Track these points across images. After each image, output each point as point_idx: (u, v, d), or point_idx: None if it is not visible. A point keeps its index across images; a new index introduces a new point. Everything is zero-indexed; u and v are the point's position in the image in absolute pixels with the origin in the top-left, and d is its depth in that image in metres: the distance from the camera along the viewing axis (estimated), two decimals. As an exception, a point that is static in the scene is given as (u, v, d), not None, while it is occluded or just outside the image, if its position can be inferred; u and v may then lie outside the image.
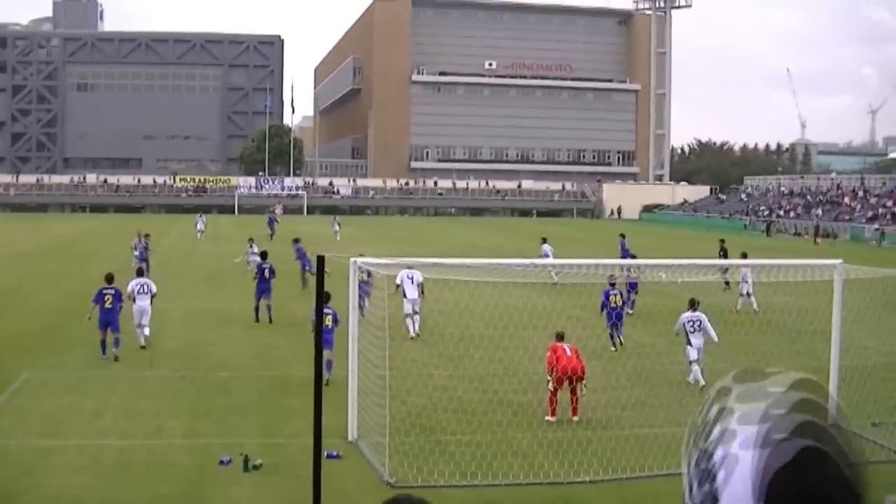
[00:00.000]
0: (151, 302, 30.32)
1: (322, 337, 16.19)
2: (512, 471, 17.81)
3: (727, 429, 1.92)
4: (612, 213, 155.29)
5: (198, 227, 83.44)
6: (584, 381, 22.02)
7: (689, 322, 25.82)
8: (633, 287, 39.07)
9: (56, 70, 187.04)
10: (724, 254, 47.80)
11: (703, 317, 25.96)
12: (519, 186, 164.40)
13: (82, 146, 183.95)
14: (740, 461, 1.89)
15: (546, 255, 51.00)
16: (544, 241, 53.19)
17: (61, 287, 44.30)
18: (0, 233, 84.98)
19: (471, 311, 30.25)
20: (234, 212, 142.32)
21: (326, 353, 26.80)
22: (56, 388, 24.22)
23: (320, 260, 16.56)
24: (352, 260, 20.04)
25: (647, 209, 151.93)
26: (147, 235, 53.93)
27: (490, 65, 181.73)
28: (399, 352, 21.55)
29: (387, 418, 17.96)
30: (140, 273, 32.54)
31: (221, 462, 18.05)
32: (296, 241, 46.00)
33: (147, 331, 30.16)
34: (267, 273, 36.42)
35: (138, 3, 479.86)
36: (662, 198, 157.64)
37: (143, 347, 29.66)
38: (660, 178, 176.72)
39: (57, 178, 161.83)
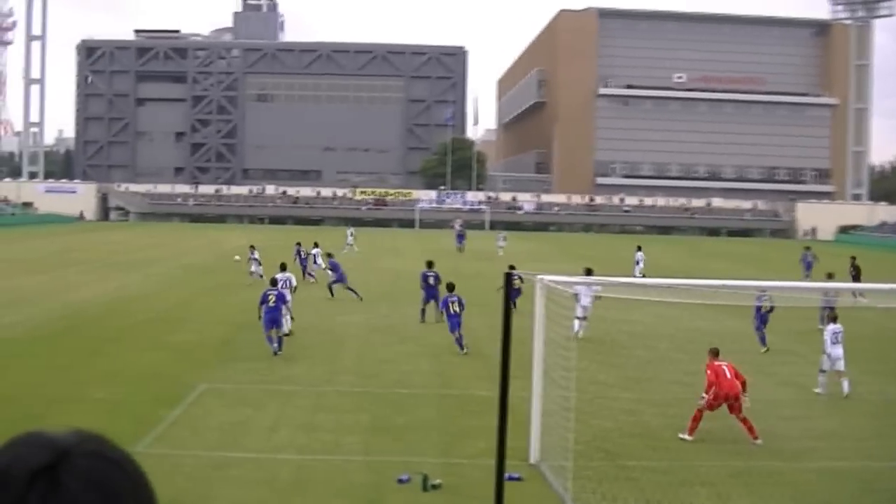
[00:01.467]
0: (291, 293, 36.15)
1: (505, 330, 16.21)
2: (699, 500, 17.51)
3: None
4: (805, 233, 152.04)
5: (348, 240, 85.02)
6: (745, 394, 21.74)
7: (832, 334, 26.60)
8: (829, 308, 39.10)
9: (236, 81, 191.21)
10: (855, 271, 47.78)
11: (842, 329, 26.72)
12: (708, 204, 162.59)
13: (261, 157, 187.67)
14: None
15: (638, 262, 58.43)
16: (639, 248, 60.21)
17: (237, 299, 45.25)
18: (179, 243, 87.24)
19: (658, 333, 30.03)
20: (414, 226, 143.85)
21: (456, 333, 31.78)
22: (232, 400, 24.74)
23: (508, 277, 16.63)
24: (538, 278, 19.96)
25: (844, 230, 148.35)
26: (299, 243, 59.41)
27: (679, 78, 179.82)
28: (584, 373, 21.38)
29: (571, 441, 17.85)
30: (283, 269, 38.57)
31: (400, 480, 18.10)
32: (329, 255, 49.74)
33: (289, 320, 34.63)
34: (432, 280, 39.55)
35: (319, 13, 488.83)
36: (859, 218, 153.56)
37: (288, 334, 33.56)
38: (857, 197, 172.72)
39: (236, 189, 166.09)
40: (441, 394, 26.15)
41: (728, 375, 21.53)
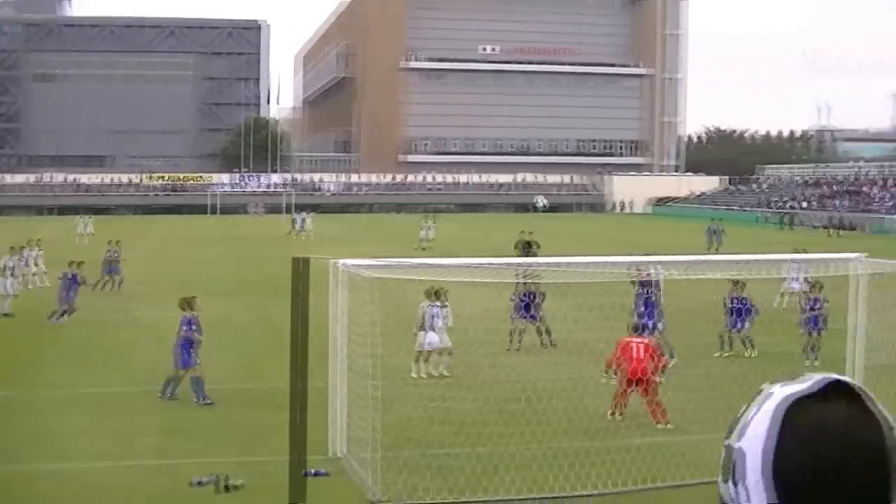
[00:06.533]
0: None
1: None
2: (514, 485, 17.68)
3: (757, 402, 2.12)
4: (616, 206, 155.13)
5: (296, 225, 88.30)
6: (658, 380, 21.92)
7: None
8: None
9: (17, 59, 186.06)
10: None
11: None
12: (519, 179, 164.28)
13: (46, 142, 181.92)
14: (768, 398, 2.10)
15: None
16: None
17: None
18: None
19: (468, 315, 30.06)
20: (208, 211, 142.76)
21: None
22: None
23: (296, 263, 16.48)
24: (338, 262, 19.74)
25: (660, 202, 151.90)
26: (117, 242, 51.21)
27: (489, 50, 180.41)
28: (392, 360, 21.46)
29: (375, 431, 17.77)
30: None
31: (195, 483, 17.78)
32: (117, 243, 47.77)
33: None
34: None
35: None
36: (672, 190, 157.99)
37: None
38: (673, 168, 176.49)
39: (18, 178, 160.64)
40: (239, 388, 25.87)
41: (638, 355, 21.63)
